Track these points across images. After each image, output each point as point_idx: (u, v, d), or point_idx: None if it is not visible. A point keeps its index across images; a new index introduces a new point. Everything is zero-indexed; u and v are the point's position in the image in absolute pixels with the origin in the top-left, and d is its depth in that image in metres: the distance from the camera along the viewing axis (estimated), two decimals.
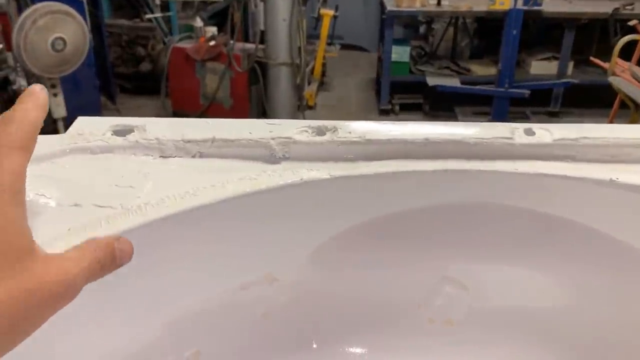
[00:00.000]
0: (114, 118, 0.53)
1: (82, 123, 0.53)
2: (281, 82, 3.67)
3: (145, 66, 4.52)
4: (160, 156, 0.50)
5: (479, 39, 4.88)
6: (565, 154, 0.50)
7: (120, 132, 0.51)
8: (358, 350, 0.56)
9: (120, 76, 4.53)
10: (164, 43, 4.35)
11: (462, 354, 0.54)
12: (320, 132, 0.52)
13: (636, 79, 3.03)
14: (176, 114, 3.99)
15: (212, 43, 3.76)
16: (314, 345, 0.55)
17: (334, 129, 0.52)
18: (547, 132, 0.51)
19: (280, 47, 3.57)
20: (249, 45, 3.72)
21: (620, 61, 3.24)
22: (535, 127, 0.52)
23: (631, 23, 3.69)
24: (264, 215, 0.48)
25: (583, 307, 0.52)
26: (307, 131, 0.52)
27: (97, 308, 0.41)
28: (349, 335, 0.57)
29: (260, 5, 3.64)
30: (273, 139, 0.50)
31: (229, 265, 0.50)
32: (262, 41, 3.68)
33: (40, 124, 0.37)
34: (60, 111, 3.02)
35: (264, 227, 0.49)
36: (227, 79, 3.76)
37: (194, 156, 0.50)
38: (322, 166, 0.50)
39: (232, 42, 3.66)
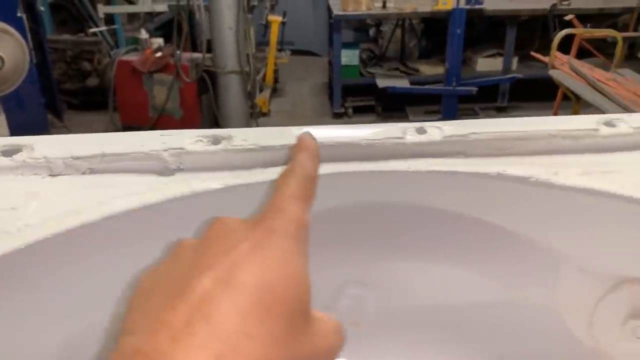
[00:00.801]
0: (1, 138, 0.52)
1: None
2: (231, 91, 3.65)
3: (92, 81, 4.42)
4: (49, 175, 0.49)
5: (426, 39, 4.97)
6: (456, 150, 0.51)
7: (7, 152, 0.50)
8: None
9: (66, 92, 4.42)
10: (111, 57, 4.27)
11: (368, 353, 0.54)
12: (216, 141, 0.51)
13: (575, 72, 3.13)
14: (126, 127, 3.92)
15: (158, 54, 3.71)
16: None
17: (229, 137, 0.51)
18: (438, 130, 0.52)
19: (228, 55, 3.55)
20: (197, 55, 3.68)
21: (559, 55, 3.35)
22: (427, 125, 0.52)
23: (568, 18, 3.82)
24: (154, 229, 0.47)
25: (485, 298, 0.53)
26: (202, 141, 0.51)
27: None
28: None
29: (206, 15, 3.61)
30: (165, 150, 0.50)
31: (121, 282, 0.49)
32: (210, 50, 3.66)
33: (317, 175, 0.38)
34: (2, 131, 2.92)
35: (156, 241, 0.48)
36: (176, 90, 3.72)
37: (84, 173, 0.49)
38: (217, 176, 0.49)
39: (178, 52, 3.62)
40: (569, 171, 0.48)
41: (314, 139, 0.41)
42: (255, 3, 4.18)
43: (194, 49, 3.85)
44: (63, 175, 0.49)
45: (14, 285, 0.34)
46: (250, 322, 0.25)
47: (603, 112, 2.73)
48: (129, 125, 3.90)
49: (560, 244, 0.49)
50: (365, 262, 0.54)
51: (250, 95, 3.73)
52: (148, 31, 3.96)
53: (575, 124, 0.51)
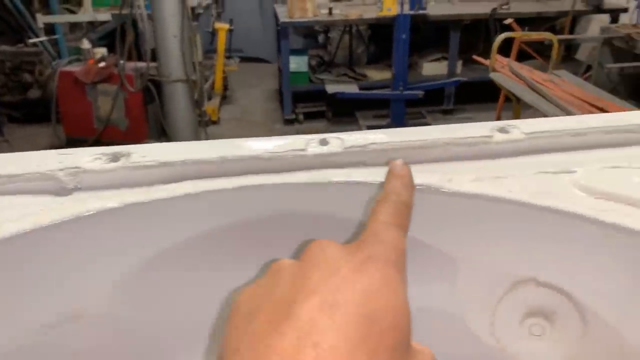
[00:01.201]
0: None
1: None
2: (178, 100, 3.60)
3: (34, 93, 4.29)
4: None
5: (374, 45, 5.05)
6: (356, 160, 0.52)
7: None
8: None
9: (6, 105, 4.27)
10: (52, 68, 4.15)
11: None
12: (115, 158, 0.51)
13: (514, 74, 3.24)
14: (70, 140, 3.81)
15: (101, 64, 3.64)
16: None
17: (128, 154, 0.51)
18: (339, 141, 0.52)
19: (173, 63, 3.51)
20: (141, 64, 3.63)
21: (500, 57, 3.45)
22: (330, 137, 0.53)
23: (507, 21, 3.95)
24: (48, 251, 0.46)
25: None
26: (100, 158, 0.51)
27: None
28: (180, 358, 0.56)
29: (150, 23, 3.56)
30: (61, 170, 0.49)
31: (26, 305, 0.47)
32: (155, 59, 3.61)
33: (412, 203, 0.37)
34: None
35: (55, 264, 0.47)
36: (121, 100, 3.65)
37: None
38: (115, 194, 0.49)
39: (122, 62, 3.55)
40: (463, 177, 0.50)
41: (406, 166, 0.41)
42: (201, 11, 4.15)
43: (140, 58, 3.78)
44: None
45: None
46: (358, 352, 0.25)
47: (542, 113, 2.83)
48: (73, 138, 3.80)
49: (456, 248, 0.50)
50: None
51: (197, 104, 3.69)
52: (91, 41, 3.87)
53: (470, 132, 0.53)
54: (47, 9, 4.18)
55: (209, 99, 4.35)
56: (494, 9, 4.21)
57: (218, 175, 0.50)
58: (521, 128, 0.54)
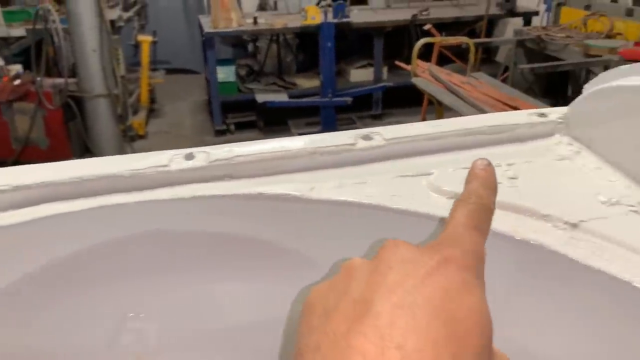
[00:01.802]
0: None
1: None
2: (101, 115, 3.50)
3: None
4: None
5: (302, 53, 5.08)
6: (222, 173, 0.52)
7: None
8: None
9: None
10: None
11: None
12: None
13: (435, 78, 3.35)
14: None
15: (17, 82, 3.47)
16: None
17: None
18: (205, 154, 0.53)
19: (94, 78, 3.41)
20: (60, 80, 3.50)
21: (420, 62, 3.56)
22: (196, 151, 0.53)
23: (426, 27, 4.08)
24: None
25: (270, 314, 0.54)
26: None
27: None
28: None
29: (68, 38, 3.44)
30: None
31: None
32: (74, 74, 3.49)
33: (493, 205, 0.35)
34: None
35: None
36: (40, 118, 3.50)
37: None
38: None
39: (39, 78, 3.41)
40: (326, 185, 0.51)
41: (490, 166, 0.38)
42: (122, 23, 4.05)
43: (59, 74, 3.65)
44: None
45: None
46: (442, 354, 0.24)
47: (460, 114, 2.93)
48: None
49: (319, 252, 0.52)
50: (144, 293, 0.53)
51: (121, 119, 3.60)
52: (4, 57, 3.70)
53: (334, 140, 0.55)
54: None
55: (135, 113, 4.25)
56: (414, 16, 4.34)
57: (77, 196, 0.49)
58: (383, 135, 0.56)
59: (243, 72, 4.79)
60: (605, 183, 0.52)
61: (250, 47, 5.28)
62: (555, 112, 0.60)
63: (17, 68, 3.61)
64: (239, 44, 5.36)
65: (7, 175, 0.49)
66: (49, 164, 0.52)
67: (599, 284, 0.44)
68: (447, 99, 3.09)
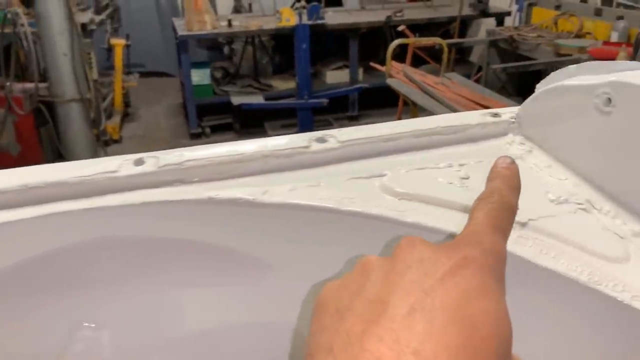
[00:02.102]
0: None
1: None
2: (73, 120, 3.45)
3: None
4: None
5: (279, 55, 5.08)
6: (172, 178, 0.51)
7: None
8: None
9: None
10: None
11: None
12: None
13: (409, 79, 3.37)
14: None
15: None
16: None
17: None
18: (154, 159, 0.52)
19: (66, 83, 3.36)
20: (30, 85, 3.44)
21: (395, 64, 3.58)
22: (146, 156, 0.53)
23: (400, 28, 4.11)
24: None
25: (230, 320, 0.54)
26: None
27: None
28: None
29: (38, 42, 3.38)
30: None
31: None
32: (45, 79, 3.43)
33: (516, 205, 0.34)
34: None
35: None
36: (10, 124, 3.44)
37: None
38: None
39: (8, 83, 3.35)
40: (279, 188, 0.51)
41: (514, 164, 0.37)
42: (94, 27, 4.00)
43: (29, 78, 3.59)
44: None
45: None
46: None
47: (434, 114, 2.96)
48: None
49: (271, 254, 0.51)
50: (95, 302, 0.52)
51: (95, 123, 3.55)
52: None
53: (288, 143, 0.54)
54: None
55: (109, 117, 4.19)
56: (389, 17, 4.36)
57: (22, 204, 0.48)
58: (337, 137, 0.56)
59: (218, 74, 4.77)
60: (555, 181, 0.53)
61: (225, 49, 5.26)
62: (508, 112, 0.61)
63: None
64: (214, 47, 5.33)
65: None
66: (17, 169, 0.50)
67: (547, 283, 0.44)
68: (421, 99, 3.12)
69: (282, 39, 4.76)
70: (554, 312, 0.47)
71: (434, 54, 4.32)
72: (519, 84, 3.96)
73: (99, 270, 0.52)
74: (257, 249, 0.51)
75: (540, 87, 0.58)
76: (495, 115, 0.60)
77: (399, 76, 3.43)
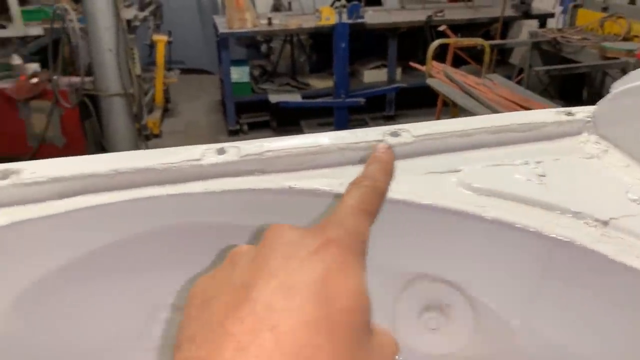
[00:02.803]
0: None
1: None
2: (116, 114, 3.53)
3: None
4: None
5: (316, 54, 5.09)
6: (252, 168, 0.53)
7: None
8: None
9: None
10: None
11: None
12: (4, 176, 0.50)
13: (449, 79, 3.34)
14: (2, 159, 3.66)
15: (34, 80, 3.51)
16: None
17: (18, 171, 0.50)
18: (236, 149, 0.53)
19: (110, 77, 3.44)
20: (76, 79, 3.53)
21: (435, 63, 3.55)
22: (227, 146, 0.54)
23: (441, 28, 4.08)
24: None
25: None
26: None
27: None
28: None
29: (84, 37, 3.47)
30: None
31: None
32: (90, 73, 3.52)
33: (387, 190, 0.36)
34: None
35: None
36: (56, 117, 3.54)
37: None
38: (5, 212, 0.48)
39: (56, 77, 3.45)
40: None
41: (390, 150, 0.40)
42: (138, 23, 4.08)
43: (76, 72, 3.68)
44: None
45: None
46: (316, 334, 0.24)
47: (474, 115, 2.92)
48: (5, 157, 3.65)
49: None
50: (174, 285, 0.54)
51: (137, 118, 3.63)
52: (22, 56, 3.74)
53: (364, 137, 0.55)
54: None
55: (150, 112, 4.28)
56: (429, 17, 4.33)
57: (112, 188, 0.50)
58: (411, 131, 0.56)
59: (257, 72, 4.81)
60: (634, 181, 0.52)
61: (263, 47, 5.30)
62: (583, 111, 0.60)
63: (34, 67, 3.65)
64: (253, 45, 5.38)
65: (44, 167, 0.50)
66: (84, 157, 0.53)
67: (629, 281, 0.44)
68: (461, 100, 3.08)
69: (320, 38, 4.77)
70: (633, 310, 0.46)
71: (475, 54, 4.27)
72: (562, 88, 3.89)
73: (179, 254, 0.53)
74: None
75: (617, 86, 0.57)
76: (569, 114, 0.60)
77: (439, 76, 3.40)
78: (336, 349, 0.25)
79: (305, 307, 0.25)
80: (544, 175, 0.53)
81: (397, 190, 0.50)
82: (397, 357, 0.31)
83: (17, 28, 3.80)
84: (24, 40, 4.11)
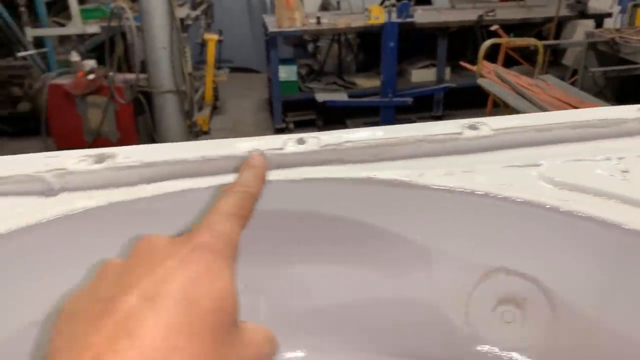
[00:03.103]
0: None
1: None
2: (168, 110, 3.62)
3: (24, 106, 4.30)
4: None
5: (363, 53, 5.09)
6: (332, 158, 0.54)
7: None
8: None
9: None
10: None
11: None
12: (100, 159, 0.53)
13: (501, 79, 3.28)
14: None
15: (91, 76, 3.64)
16: None
17: (113, 156, 0.53)
18: (315, 140, 0.55)
19: (163, 75, 3.53)
20: (131, 76, 3.64)
21: (486, 63, 3.50)
22: (307, 136, 0.56)
23: (493, 28, 4.01)
24: (36, 250, 0.47)
25: (372, 295, 0.56)
26: (86, 160, 0.53)
27: None
28: None
29: (139, 35, 3.58)
30: (48, 171, 0.51)
31: (17, 301, 0.49)
32: (145, 70, 3.63)
33: (259, 194, 0.39)
34: None
35: (40, 263, 0.48)
36: (111, 112, 3.66)
37: None
38: (101, 194, 0.51)
39: (112, 74, 3.57)
40: (434, 172, 0.52)
41: (262, 156, 0.42)
42: (190, 22, 4.18)
43: (130, 69, 3.80)
44: None
45: None
46: (176, 336, 0.25)
47: None
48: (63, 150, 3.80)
49: (429, 240, 0.53)
50: (253, 269, 0.56)
51: (188, 114, 3.71)
52: (80, 53, 3.88)
53: (442, 129, 0.56)
54: (36, 22, 4.19)
55: (200, 109, 4.37)
56: (480, 16, 4.26)
57: (200, 174, 0.52)
58: (489, 125, 0.56)
59: (304, 71, 4.84)
60: None
61: (310, 46, 5.33)
62: None
63: (91, 63, 3.78)
64: (300, 44, 5.42)
65: (137, 152, 0.53)
66: (173, 144, 0.55)
67: None
68: (512, 100, 3.03)
69: (368, 37, 4.76)
70: None
71: (527, 55, 4.18)
72: (620, 89, 3.76)
73: (259, 239, 0.55)
74: (412, 231, 0.53)
75: None
76: None
77: (490, 76, 3.35)
78: (197, 348, 0.26)
79: (167, 312, 0.26)
80: (627, 171, 0.52)
81: (477, 182, 0.51)
82: (274, 352, 0.32)
83: (76, 26, 3.95)
84: (82, 37, 4.27)
